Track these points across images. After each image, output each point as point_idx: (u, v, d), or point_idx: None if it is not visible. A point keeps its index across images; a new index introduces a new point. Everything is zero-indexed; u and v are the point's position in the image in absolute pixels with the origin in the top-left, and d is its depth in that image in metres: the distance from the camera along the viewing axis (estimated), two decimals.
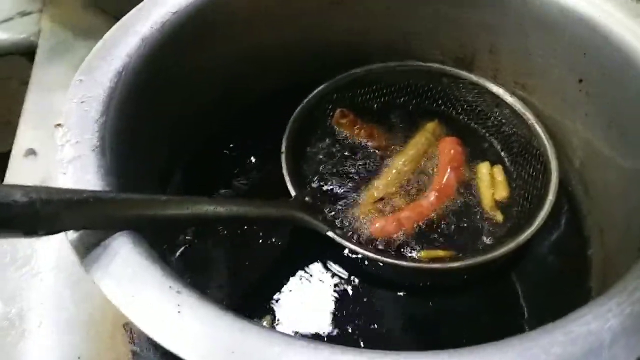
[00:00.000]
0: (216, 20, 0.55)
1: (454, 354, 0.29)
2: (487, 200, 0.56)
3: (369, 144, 0.61)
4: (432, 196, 0.56)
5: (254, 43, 0.59)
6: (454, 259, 0.51)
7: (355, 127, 0.62)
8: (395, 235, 0.53)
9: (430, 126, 0.63)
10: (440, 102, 0.65)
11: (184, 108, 0.55)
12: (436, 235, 0.54)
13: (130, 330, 0.47)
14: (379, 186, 0.57)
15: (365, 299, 0.51)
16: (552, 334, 0.29)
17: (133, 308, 0.30)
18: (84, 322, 0.51)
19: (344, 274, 0.52)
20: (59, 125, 0.41)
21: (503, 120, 0.62)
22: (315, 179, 0.58)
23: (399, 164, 0.58)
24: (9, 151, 0.67)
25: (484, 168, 0.59)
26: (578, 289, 0.52)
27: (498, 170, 0.59)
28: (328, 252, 0.53)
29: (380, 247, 0.52)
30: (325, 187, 0.57)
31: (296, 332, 0.49)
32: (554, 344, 0.29)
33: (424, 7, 0.60)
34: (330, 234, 0.49)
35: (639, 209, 0.46)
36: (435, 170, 0.58)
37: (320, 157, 0.60)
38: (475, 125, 0.64)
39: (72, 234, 0.34)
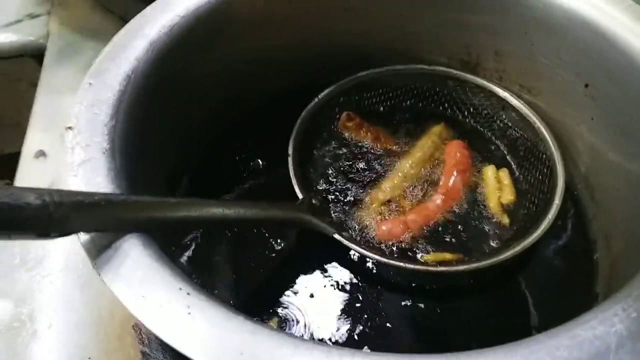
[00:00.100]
0: (224, 24, 0.55)
1: (460, 357, 0.29)
2: (493, 204, 0.57)
3: (375, 147, 0.61)
4: (438, 199, 0.56)
5: (262, 46, 0.60)
6: (461, 262, 0.51)
7: (362, 130, 0.62)
8: (401, 238, 0.53)
9: (437, 129, 0.63)
10: (446, 105, 0.65)
11: (192, 111, 0.56)
12: (443, 238, 0.54)
13: (139, 331, 0.48)
14: (386, 189, 0.57)
15: (371, 302, 0.51)
16: (558, 337, 0.30)
17: (144, 310, 0.31)
18: (93, 323, 0.51)
19: (351, 276, 0.52)
20: (69, 128, 0.41)
21: (509, 124, 0.62)
22: (321, 181, 0.58)
23: (405, 167, 0.59)
24: (18, 152, 0.68)
25: (490, 171, 0.59)
26: (584, 293, 0.52)
27: (504, 174, 0.59)
28: (335, 255, 0.53)
29: (386, 249, 0.52)
30: (331, 190, 0.58)
31: (303, 335, 0.49)
32: (560, 347, 0.29)
33: (429, 11, 0.61)
34: (337, 236, 0.50)
35: None
36: (441, 173, 0.59)
37: (327, 160, 0.61)
38: (481, 129, 0.64)
39: (83, 236, 0.34)
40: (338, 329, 0.49)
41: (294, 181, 0.54)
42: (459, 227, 0.55)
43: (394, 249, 0.53)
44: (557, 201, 0.52)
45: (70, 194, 0.33)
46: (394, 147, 0.62)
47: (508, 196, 0.57)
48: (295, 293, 0.51)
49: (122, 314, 0.51)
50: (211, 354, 0.29)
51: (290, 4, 0.58)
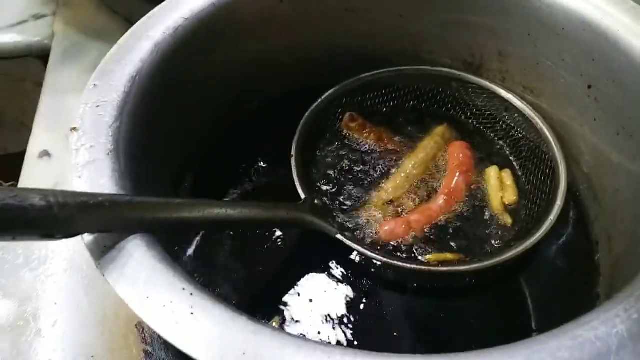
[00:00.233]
0: (227, 26, 0.55)
1: (461, 358, 0.30)
2: (495, 204, 0.57)
3: (378, 147, 0.62)
4: (441, 199, 0.56)
5: (263, 48, 0.60)
6: (463, 262, 0.51)
7: (365, 131, 0.62)
8: (404, 238, 0.53)
9: (440, 130, 0.63)
10: (449, 106, 0.66)
11: (195, 112, 0.56)
12: (445, 239, 0.54)
13: (142, 330, 0.48)
14: (388, 189, 0.57)
15: (373, 302, 0.51)
16: (560, 338, 0.30)
17: (147, 310, 0.31)
18: (97, 322, 0.52)
19: (353, 276, 0.52)
20: (74, 129, 0.42)
21: (512, 125, 0.62)
22: (324, 182, 0.59)
23: (408, 168, 0.59)
24: (22, 151, 0.68)
25: (492, 172, 0.59)
26: (586, 294, 0.52)
27: (507, 174, 0.59)
28: (337, 255, 0.53)
29: (389, 250, 0.53)
30: (334, 190, 0.58)
31: (305, 334, 0.49)
32: (561, 348, 0.29)
33: (429, 12, 0.61)
34: (339, 236, 0.50)
35: None
36: (444, 173, 0.59)
37: (330, 160, 0.61)
38: (484, 129, 0.64)
39: (88, 237, 0.35)
40: (340, 329, 0.49)
41: (296, 181, 0.54)
42: (462, 227, 0.55)
43: (397, 249, 0.53)
44: (559, 202, 0.52)
45: (74, 195, 0.33)
46: (397, 148, 0.62)
47: (510, 197, 0.57)
48: (297, 293, 0.51)
49: (125, 313, 0.52)
50: (214, 354, 0.29)
51: (291, 6, 0.59)
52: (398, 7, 0.61)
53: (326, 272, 0.53)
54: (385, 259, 0.49)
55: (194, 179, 0.59)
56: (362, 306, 0.51)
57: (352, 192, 0.58)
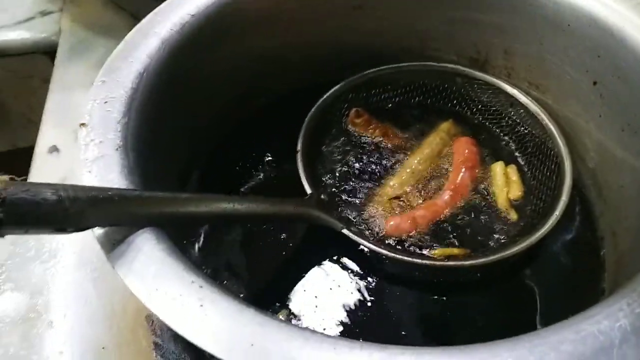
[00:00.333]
0: (234, 22, 0.56)
1: (465, 350, 0.30)
2: (501, 200, 0.57)
3: (384, 143, 0.62)
4: (446, 195, 0.56)
5: (269, 44, 0.60)
6: (468, 257, 0.52)
7: (370, 127, 0.63)
8: (409, 233, 0.53)
9: (445, 126, 0.63)
10: (455, 101, 0.66)
11: (203, 109, 0.56)
12: (450, 234, 0.54)
13: (152, 322, 0.49)
14: (394, 185, 0.57)
15: (379, 296, 0.51)
16: (563, 332, 0.30)
17: (157, 302, 0.32)
18: (107, 315, 0.52)
19: (359, 271, 0.53)
20: (83, 124, 0.42)
21: (517, 120, 0.62)
22: (330, 177, 0.59)
23: (413, 163, 0.59)
24: (30, 147, 0.69)
25: (498, 167, 0.59)
26: (591, 289, 0.52)
27: (512, 170, 0.59)
28: (343, 250, 0.54)
29: (394, 244, 0.53)
30: (340, 186, 0.58)
31: (311, 327, 0.49)
32: (564, 342, 0.29)
33: (437, 9, 0.61)
34: (345, 231, 0.50)
35: None
36: (449, 169, 0.59)
37: (335, 156, 0.61)
38: (490, 125, 0.64)
39: (98, 231, 0.35)
40: (345, 322, 0.50)
41: (302, 177, 0.54)
42: (467, 222, 0.55)
43: (402, 243, 0.53)
44: (564, 197, 0.52)
45: (85, 189, 0.34)
46: (403, 144, 0.62)
47: (516, 192, 0.58)
48: (303, 287, 0.52)
49: (134, 306, 0.52)
50: (223, 345, 0.30)
51: (298, 3, 0.59)
52: (405, 4, 0.61)
53: (332, 267, 0.53)
54: (390, 254, 0.50)
55: (201, 176, 0.59)
56: (367, 301, 0.51)
57: (358, 187, 0.58)
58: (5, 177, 0.29)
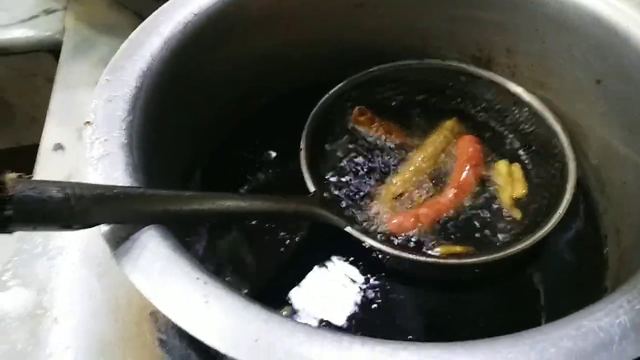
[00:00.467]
0: (236, 21, 0.56)
1: (466, 345, 0.30)
2: (505, 198, 0.57)
3: (387, 141, 0.62)
4: (450, 193, 0.56)
5: (271, 43, 0.60)
6: (472, 255, 0.52)
7: (374, 125, 0.63)
8: (413, 231, 0.54)
9: (449, 124, 0.63)
10: (458, 99, 0.65)
11: (205, 108, 0.57)
12: (454, 232, 0.54)
13: (156, 318, 0.49)
14: (397, 183, 0.57)
15: (382, 293, 0.52)
16: (563, 328, 0.30)
17: (162, 299, 0.32)
18: (111, 311, 0.53)
19: (361, 268, 0.53)
20: (87, 123, 0.42)
21: (521, 119, 0.62)
22: (333, 175, 0.59)
23: (417, 161, 0.59)
24: (34, 144, 0.69)
25: (502, 166, 0.59)
26: (594, 287, 0.52)
27: (516, 168, 0.59)
28: (346, 247, 0.54)
29: (398, 242, 0.53)
30: (343, 184, 0.58)
31: (314, 323, 0.50)
32: (564, 338, 0.30)
33: (441, 8, 0.61)
34: (348, 229, 0.50)
35: None
36: (453, 167, 0.59)
37: (339, 154, 0.61)
38: (494, 123, 0.64)
39: (104, 228, 0.36)
40: (348, 319, 0.50)
41: (305, 175, 0.54)
42: (471, 221, 0.55)
43: (405, 241, 0.53)
44: (568, 196, 0.52)
45: (90, 187, 0.34)
46: (406, 142, 0.62)
47: (520, 190, 0.58)
48: (306, 284, 0.52)
49: (139, 302, 0.53)
50: (227, 341, 0.30)
51: (300, 1, 0.59)
52: (406, 2, 0.61)
53: (335, 265, 0.53)
54: (394, 251, 0.50)
55: (204, 174, 0.60)
56: (370, 298, 0.51)
57: (361, 185, 0.58)
58: (13, 175, 0.30)
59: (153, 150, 0.44)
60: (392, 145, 0.62)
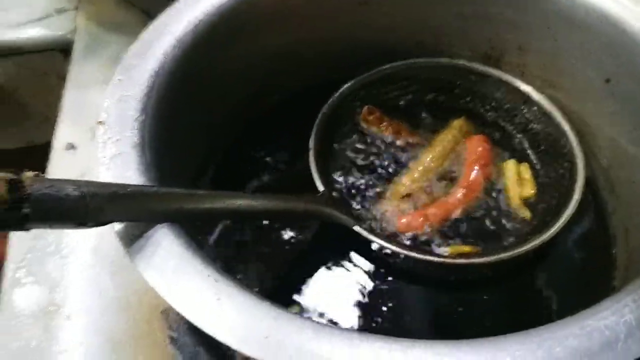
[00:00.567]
0: (248, 20, 0.56)
1: (473, 343, 0.31)
2: (513, 198, 0.57)
3: (396, 140, 0.62)
4: (459, 193, 0.56)
5: (282, 42, 0.60)
6: (480, 254, 0.52)
7: (382, 124, 0.63)
8: (421, 231, 0.54)
9: (457, 123, 0.63)
10: (467, 99, 0.65)
11: (217, 107, 0.57)
12: (462, 232, 0.54)
13: (167, 316, 0.50)
14: (406, 182, 0.58)
15: (390, 292, 0.52)
16: (569, 327, 0.31)
17: (175, 296, 0.32)
18: (122, 309, 0.54)
19: (370, 267, 0.53)
20: (100, 122, 0.43)
21: (531, 118, 0.62)
22: (342, 174, 0.59)
23: (426, 161, 0.59)
24: (46, 143, 0.70)
25: (511, 165, 0.59)
26: (602, 287, 0.52)
27: (525, 168, 0.59)
28: (355, 246, 0.54)
29: (406, 242, 0.53)
30: (352, 183, 0.59)
31: (322, 322, 0.50)
32: (569, 336, 0.30)
33: (450, 4, 0.61)
34: (357, 228, 0.51)
35: None
36: (462, 167, 0.59)
37: (347, 153, 0.61)
38: (503, 123, 0.64)
39: (118, 226, 0.36)
40: (355, 317, 0.50)
41: (314, 174, 0.54)
42: (479, 220, 0.55)
43: (414, 241, 0.53)
44: (577, 195, 0.52)
45: (105, 185, 0.35)
46: (415, 141, 0.62)
47: (528, 190, 0.57)
48: (315, 282, 0.53)
49: (150, 299, 0.53)
50: (239, 337, 0.31)
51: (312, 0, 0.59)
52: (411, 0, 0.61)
53: (343, 263, 0.54)
54: (402, 251, 0.50)
55: (215, 173, 0.60)
56: (378, 297, 0.52)
57: (370, 184, 0.58)
58: (31, 174, 0.30)
59: (165, 149, 0.45)
60: (401, 145, 0.62)
